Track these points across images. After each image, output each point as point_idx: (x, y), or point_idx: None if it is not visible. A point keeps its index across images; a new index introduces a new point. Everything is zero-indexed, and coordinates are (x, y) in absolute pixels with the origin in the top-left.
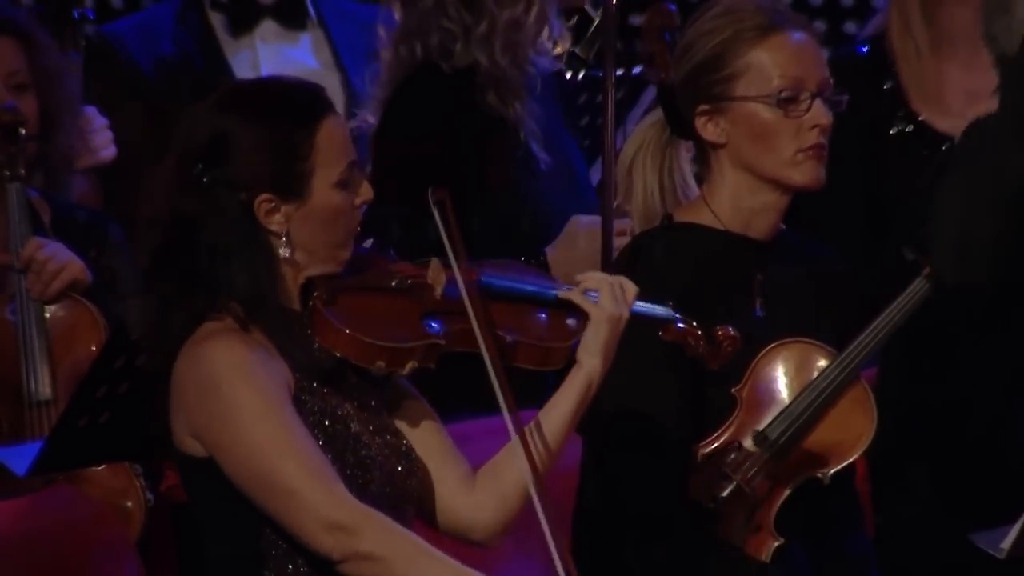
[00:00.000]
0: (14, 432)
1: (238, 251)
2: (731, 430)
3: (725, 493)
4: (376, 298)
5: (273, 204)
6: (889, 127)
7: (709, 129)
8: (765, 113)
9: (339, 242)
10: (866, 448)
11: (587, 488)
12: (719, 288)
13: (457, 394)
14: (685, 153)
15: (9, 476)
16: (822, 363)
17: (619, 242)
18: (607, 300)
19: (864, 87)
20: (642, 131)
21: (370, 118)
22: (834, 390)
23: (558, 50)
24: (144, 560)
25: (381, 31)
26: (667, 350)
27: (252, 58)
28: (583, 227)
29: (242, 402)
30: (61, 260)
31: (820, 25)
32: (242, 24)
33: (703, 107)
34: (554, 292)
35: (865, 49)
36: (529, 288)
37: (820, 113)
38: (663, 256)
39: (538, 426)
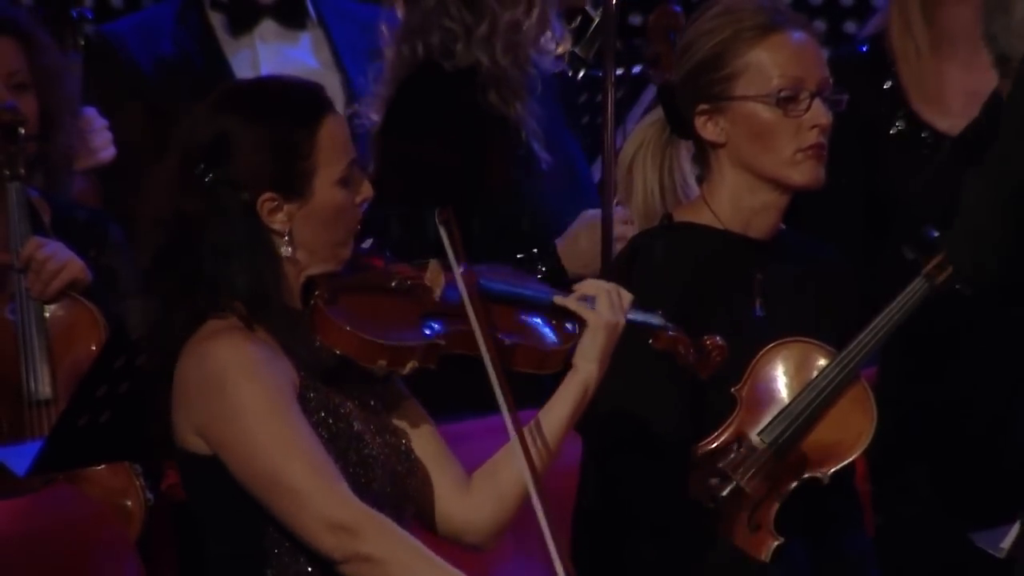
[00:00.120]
0: (14, 432)
1: (241, 250)
2: (731, 430)
3: (725, 493)
4: (377, 298)
5: (276, 203)
6: (889, 127)
7: (709, 129)
8: (764, 113)
9: (340, 241)
10: (866, 448)
11: (587, 488)
12: (719, 288)
13: (452, 394)
14: (685, 152)
15: (9, 476)
16: (822, 362)
17: (623, 231)
18: (604, 307)
19: (864, 87)
20: (642, 130)
21: (373, 116)
22: (834, 389)
23: (559, 51)
24: (144, 560)
25: (384, 29)
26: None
27: (252, 58)
28: (592, 220)
29: (247, 401)
30: (61, 259)
31: (820, 25)
32: (242, 24)
33: (703, 107)
34: (551, 297)
35: (865, 49)
36: (527, 293)
37: (820, 113)
38: (663, 256)
39: (535, 430)
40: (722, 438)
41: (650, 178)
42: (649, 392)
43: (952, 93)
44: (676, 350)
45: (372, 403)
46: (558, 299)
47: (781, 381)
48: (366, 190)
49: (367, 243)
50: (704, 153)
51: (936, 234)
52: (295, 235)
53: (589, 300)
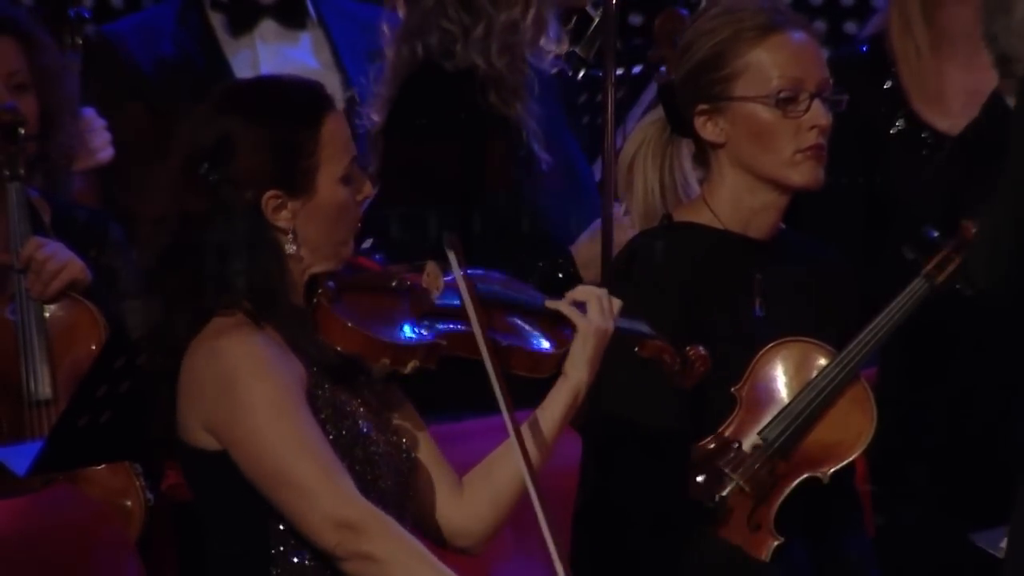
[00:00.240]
0: (14, 432)
1: (247, 249)
2: (731, 429)
3: (725, 493)
4: (378, 297)
5: (280, 201)
6: (889, 127)
7: (708, 129)
8: (764, 113)
9: (343, 238)
10: (866, 448)
11: (587, 487)
12: (719, 288)
13: (451, 394)
14: (687, 151)
15: (9, 476)
16: (822, 362)
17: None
18: (595, 312)
19: (864, 87)
20: (643, 128)
21: (374, 116)
22: (834, 389)
23: (557, 51)
24: (144, 560)
25: (385, 29)
26: None
27: (252, 58)
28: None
29: (258, 398)
30: (61, 260)
31: (820, 25)
32: (242, 24)
33: (702, 107)
34: (543, 302)
35: (865, 49)
36: (521, 297)
37: (819, 114)
38: (663, 256)
39: (528, 433)
40: (722, 438)
41: (651, 177)
42: (649, 392)
43: (952, 93)
44: (662, 358)
45: (373, 402)
46: (550, 303)
47: (781, 381)
48: (367, 188)
49: (367, 243)
50: (704, 153)
51: (936, 234)
52: (299, 232)
53: (579, 306)
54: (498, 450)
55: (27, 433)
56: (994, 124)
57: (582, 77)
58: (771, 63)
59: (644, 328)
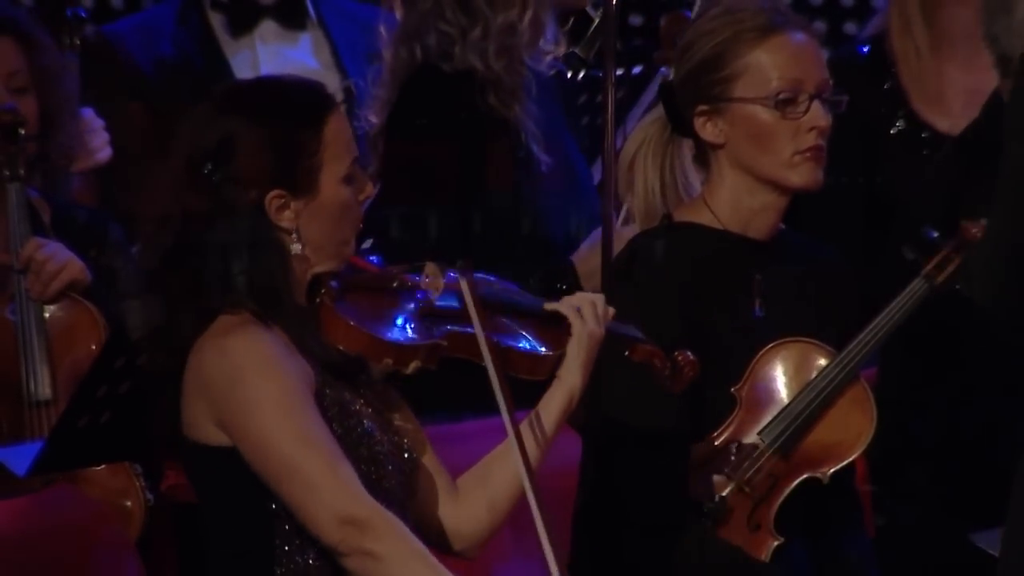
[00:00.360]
0: (14, 432)
1: (250, 249)
2: (731, 429)
3: (725, 493)
4: (379, 297)
5: (283, 200)
6: (889, 127)
7: (708, 129)
8: (763, 114)
9: (345, 238)
10: (866, 448)
11: (587, 488)
12: (718, 288)
13: (451, 394)
14: (688, 150)
15: (9, 476)
16: (822, 362)
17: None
18: (589, 317)
19: (864, 87)
20: (644, 128)
21: (372, 118)
22: (833, 389)
23: (555, 53)
24: (144, 560)
25: (383, 31)
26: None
27: (252, 58)
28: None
29: (265, 395)
30: (60, 260)
31: (820, 25)
32: (242, 24)
33: (702, 107)
34: (541, 304)
35: (865, 49)
36: (519, 300)
37: (818, 115)
38: (662, 256)
39: (524, 436)
40: (722, 438)
41: (651, 176)
42: (649, 392)
43: (952, 93)
44: (652, 363)
45: (375, 403)
46: (549, 305)
47: (781, 381)
48: (368, 188)
49: (367, 243)
50: (704, 153)
51: (936, 234)
52: (302, 232)
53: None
54: (494, 453)
55: (27, 433)
56: (994, 124)
57: (582, 78)
58: (771, 64)
59: (635, 333)
